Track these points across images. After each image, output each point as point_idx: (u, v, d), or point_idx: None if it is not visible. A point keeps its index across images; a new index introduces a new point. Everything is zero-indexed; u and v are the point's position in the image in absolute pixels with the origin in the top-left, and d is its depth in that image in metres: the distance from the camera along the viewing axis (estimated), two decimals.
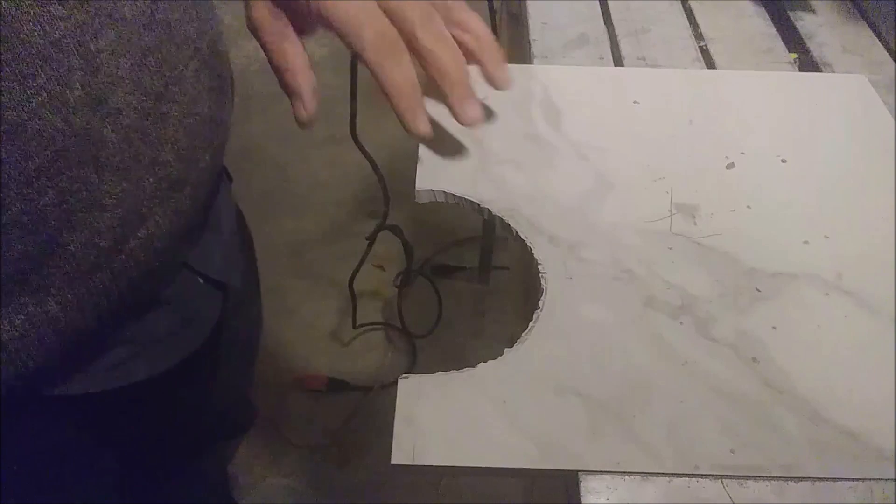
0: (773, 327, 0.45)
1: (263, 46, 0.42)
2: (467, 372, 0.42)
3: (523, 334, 0.44)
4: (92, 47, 0.33)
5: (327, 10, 0.40)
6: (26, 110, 0.31)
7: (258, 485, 1.21)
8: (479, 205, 0.52)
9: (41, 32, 0.31)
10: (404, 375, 0.42)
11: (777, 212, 0.52)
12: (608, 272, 0.47)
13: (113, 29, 0.34)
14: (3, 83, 0.30)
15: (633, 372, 0.42)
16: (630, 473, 0.38)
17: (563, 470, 0.38)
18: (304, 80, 0.42)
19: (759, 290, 0.47)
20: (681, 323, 0.45)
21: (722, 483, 0.38)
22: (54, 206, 0.34)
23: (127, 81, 0.35)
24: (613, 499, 0.37)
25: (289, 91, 0.42)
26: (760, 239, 0.50)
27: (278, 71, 0.42)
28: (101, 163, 0.35)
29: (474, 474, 0.39)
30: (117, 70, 0.35)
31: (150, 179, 0.39)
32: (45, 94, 0.32)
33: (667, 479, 0.38)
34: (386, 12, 0.41)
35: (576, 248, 0.49)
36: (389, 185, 0.68)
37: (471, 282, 1.52)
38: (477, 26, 0.47)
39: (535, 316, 0.45)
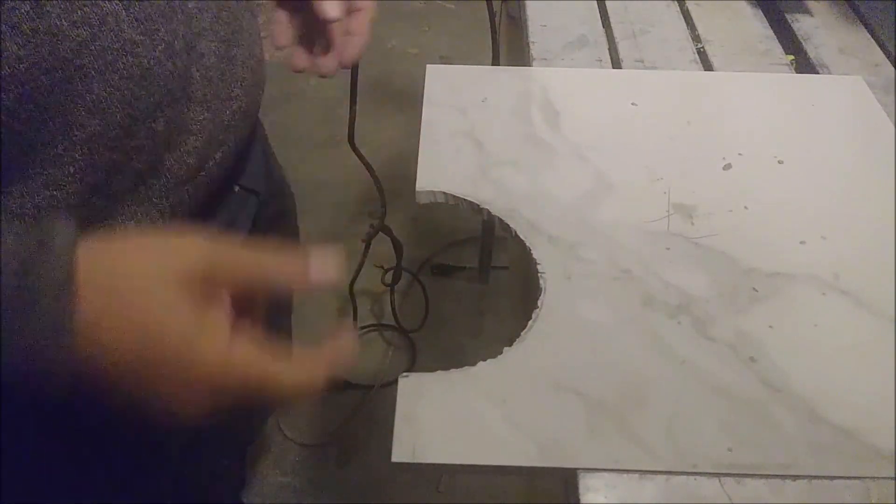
0: (771, 327, 0.45)
1: None
2: (467, 371, 0.42)
3: (522, 333, 0.44)
4: (189, 6, 0.44)
5: None
6: (153, 58, 0.41)
7: (259, 483, 1.22)
8: (478, 205, 0.52)
9: None
10: (404, 374, 0.42)
11: (774, 212, 0.52)
12: (607, 272, 0.48)
13: None
14: (137, 36, 0.40)
15: (631, 371, 0.42)
16: (629, 472, 0.38)
17: (562, 468, 0.39)
18: None
19: (756, 290, 0.47)
20: (679, 322, 0.45)
21: (720, 481, 0.38)
22: (163, 132, 0.43)
23: (208, 31, 0.46)
24: (612, 497, 0.38)
25: None
26: (758, 239, 0.50)
27: None
28: (190, 97, 0.44)
29: (474, 472, 0.39)
30: (202, 23, 0.45)
31: (227, 112, 0.48)
32: (163, 45, 0.41)
33: (665, 477, 0.38)
34: None
35: (575, 248, 0.49)
36: (389, 187, 0.68)
37: (470, 281, 1.52)
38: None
39: (534, 315, 0.45)
